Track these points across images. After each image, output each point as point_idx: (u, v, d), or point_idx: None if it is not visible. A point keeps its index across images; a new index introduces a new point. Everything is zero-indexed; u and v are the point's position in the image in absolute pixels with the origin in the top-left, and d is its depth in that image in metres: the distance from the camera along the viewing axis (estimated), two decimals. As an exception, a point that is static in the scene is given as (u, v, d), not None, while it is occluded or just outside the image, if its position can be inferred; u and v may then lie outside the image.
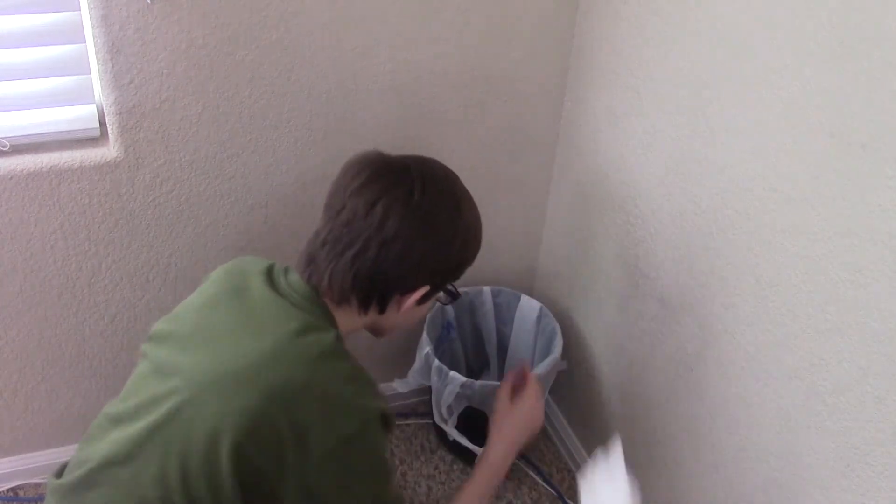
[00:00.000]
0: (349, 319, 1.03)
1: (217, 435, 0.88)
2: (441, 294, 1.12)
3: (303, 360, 0.93)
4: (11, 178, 1.22)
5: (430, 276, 1.03)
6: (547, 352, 1.55)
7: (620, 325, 1.42)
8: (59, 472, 1.01)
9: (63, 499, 0.96)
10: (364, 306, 1.02)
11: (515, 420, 1.22)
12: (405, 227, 0.97)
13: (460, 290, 1.58)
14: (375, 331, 1.12)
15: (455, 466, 1.65)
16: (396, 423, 1.59)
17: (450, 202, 1.03)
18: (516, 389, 1.26)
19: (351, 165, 1.05)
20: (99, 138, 1.28)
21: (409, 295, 1.03)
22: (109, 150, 1.26)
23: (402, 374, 1.56)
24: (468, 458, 1.60)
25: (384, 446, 0.99)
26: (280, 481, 0.91)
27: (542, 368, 1.46)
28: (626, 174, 1.32)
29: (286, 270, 1.06)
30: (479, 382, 1.42)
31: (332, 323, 1.01)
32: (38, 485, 1.56)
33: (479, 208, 1.10)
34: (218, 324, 0.99)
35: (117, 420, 0.97)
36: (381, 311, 1.04)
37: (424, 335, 1.51)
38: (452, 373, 1.42)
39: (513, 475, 1.65)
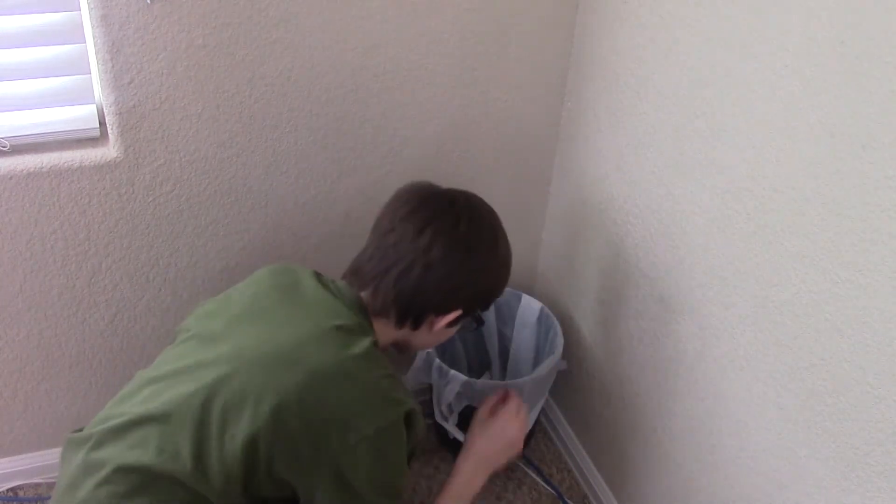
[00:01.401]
0: (384, 331, 1.11)
1: (261, 405, 0.94)
2: (468, 319, 1.19)
3: (346, 352, 1.00)
4: (11, 178, 1.22)
5: (464, 301, 1.12)
6: (548, 352, 1.55)
7: (621, 326, 1.42)
8: (78, 432, 1.05)
9: (93, 446, 0.99)
10: (401, 321, 1.10)
11: (489, 434, 1.20)
12: (449, 253, 1.07)
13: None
14: (403, 346, 1.18)
15: (455, 466, 1.65)
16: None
17: (490, 236, 1.13)
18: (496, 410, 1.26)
19: (402, 192, 1.14)
20: (99, 138, 1.28)
21: (444, 316, 1.11)
22: (109, 150, 1.26)
23: (402, 373, 1.56)
24: (468, 458, 1.60)
25: (407, 441, 1.05)
26: (315, 463, 0.96)
27: (542, 369, 1.46)
28: (626, 174, 1.32)
29: (331, 279, 1.14)
30: (480, 381, 1.42)
31: (371, 328, 1.09)
32: (37, 485, 1.56)
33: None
34: (270, 308, 1.07)
35: (154, 381, 1.02)
36: (415, 327, 1.12)
37: (424, 335, 1.50)
38: (453, 372, 1.42)
39: (513, 475, 1.65)
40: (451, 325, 1.15)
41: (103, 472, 0.96)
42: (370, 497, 1.01)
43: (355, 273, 1.12)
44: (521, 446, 1.24)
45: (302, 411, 0.95)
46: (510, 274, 1.21)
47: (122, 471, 0.95)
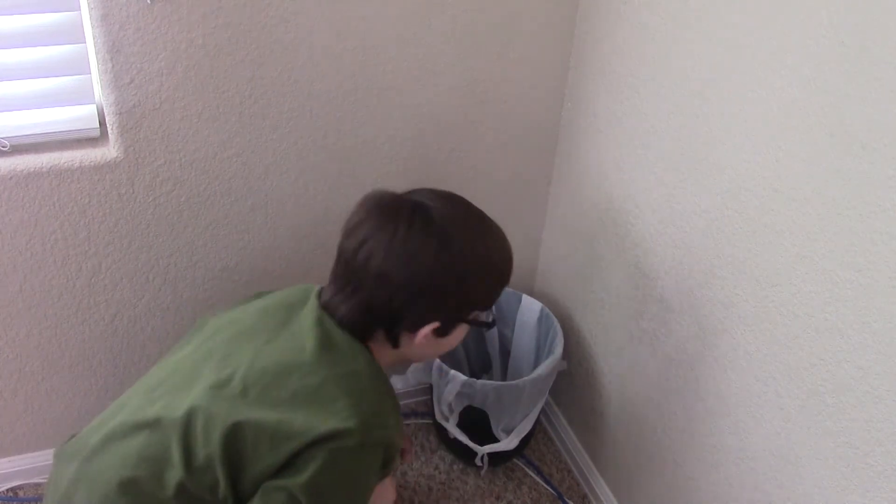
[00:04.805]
0: (379, 351, 1.06)
1: (238, 421, 0.94)
2: (465, 326, 1.10)
3: (338, 370, 0.99)
4: (11, 178, 1.22)
5: (433, 310, 1.03)
6: (548, 352, 1.55)
7: (620, 325, 1.42)
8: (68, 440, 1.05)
9: (87, 456, 1.00)
10: (375, 340, 1.05)
11: None
12: (388, 267, 0.99)
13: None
14: (405, 361, 1.13)
15: (455, 466, 1.65)
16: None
17: (436, 239, 1.00)
18: None
19: (356, 205, 1.06)
20: (99, 138, 1.28)
21: (418, 331, 1.03)
22: (109, 150, 1.26)
23: (401, 373, 1.56)
24: (468, 458, 1.60)
25: (375, 472, 1.00)
26: (293, 464, 0.95)
27: (542, 369, 1.46)
28: (627, 174, 1.32)
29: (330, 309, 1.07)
30: (479, 382, 1.42)
31: (367, 349, 1.04)
32: (37, 485, 1.56)
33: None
34: (269, 331, 1.04)
35: (149, 390, 1.03)
36: (395, 345, 1.06)
37: (424, 335, 1.51)
38: (453, 372, 1.42)
39: (513, 475, 1.65)
40: (441, 334, 1.06)
41: (96, 486, 0.96)
42: None
43: (325, 304, 1.06)
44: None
45: (278, 433, 0.94)
46: (497, 269, 1.09)
47: (117, 485, 0.95)
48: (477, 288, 1.06)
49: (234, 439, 0.94)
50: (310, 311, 1.04)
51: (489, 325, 1.13)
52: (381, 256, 0.99)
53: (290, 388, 0.96)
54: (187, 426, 0.95)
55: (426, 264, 0.99)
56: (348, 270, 1.02)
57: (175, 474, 0.94)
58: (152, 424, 0.97)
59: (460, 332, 1.10)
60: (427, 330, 1.03)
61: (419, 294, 1.00)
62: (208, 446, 0.94)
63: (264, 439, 0.94)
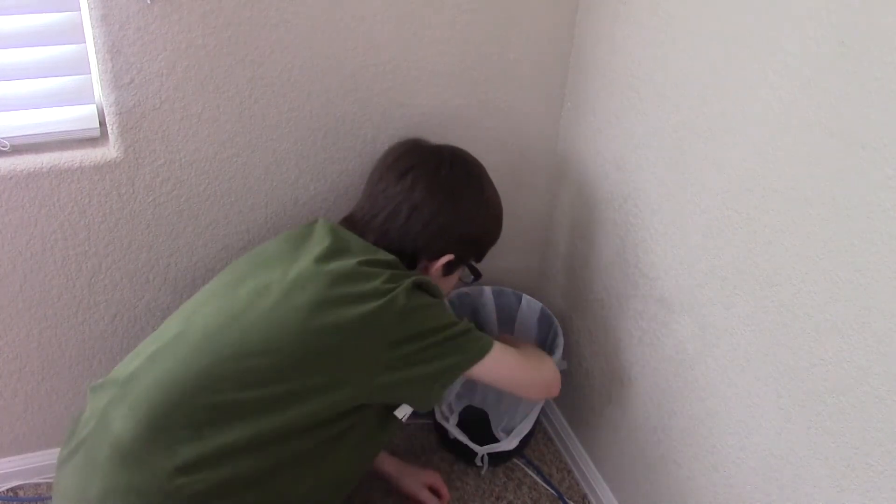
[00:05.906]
0: None
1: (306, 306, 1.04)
2: (465, 272, 1.27)
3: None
4: (11, 178, 1.22)
5: (453, 244, 1.18)
6: (548, 352, 1.55)
7: (621, 326, 1.42)
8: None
9: (126, 380, 1.05)
10: None
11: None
12: (432, 195, 1.14)
13: (463, 291, 1.59)
14: None
15: (455, 467, 1.65)
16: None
17: (474, 181, 1.20)
18: None
19: (391, 147, 1.25)
20: (99, 138, 1.28)
21: (435, 261, 1.17)
22: (109, 150, 1.26)
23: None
24: (468, 458, 1.60)
25: (431, 303, 1.11)
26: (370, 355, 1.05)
27: (542, 368, 1.46)
28: (626, 174, 1.32)
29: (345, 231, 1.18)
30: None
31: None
32: (37, 485, 1.56)
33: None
34: (288, 252, 1.15)
35: (186, 314, 1.11)
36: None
37: (424, 335, 1.50)
38: (452, 373, 1.42)
39: (513, 475, 1.65)
40: (447, 273, 1.20)
41: (141, 393, 1.01)
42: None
43: (349, 221, 1.18)
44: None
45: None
46: (501, 225, 1.27)
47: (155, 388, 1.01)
48: (490, 233, 1.25)
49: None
50: (321, 227, 1.16)
51: (479, 275, 1.31)
52: (425, 186, 1.13)
53: (327, 279, 1.05)
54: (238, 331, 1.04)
55: (463, 202, 1.17)
56: (385, 197, 1.15)
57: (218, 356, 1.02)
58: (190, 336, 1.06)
59: (455, 277, 1.27)
60: (444, 261, 1.18)
61: (450, 226, 1.15)
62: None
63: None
